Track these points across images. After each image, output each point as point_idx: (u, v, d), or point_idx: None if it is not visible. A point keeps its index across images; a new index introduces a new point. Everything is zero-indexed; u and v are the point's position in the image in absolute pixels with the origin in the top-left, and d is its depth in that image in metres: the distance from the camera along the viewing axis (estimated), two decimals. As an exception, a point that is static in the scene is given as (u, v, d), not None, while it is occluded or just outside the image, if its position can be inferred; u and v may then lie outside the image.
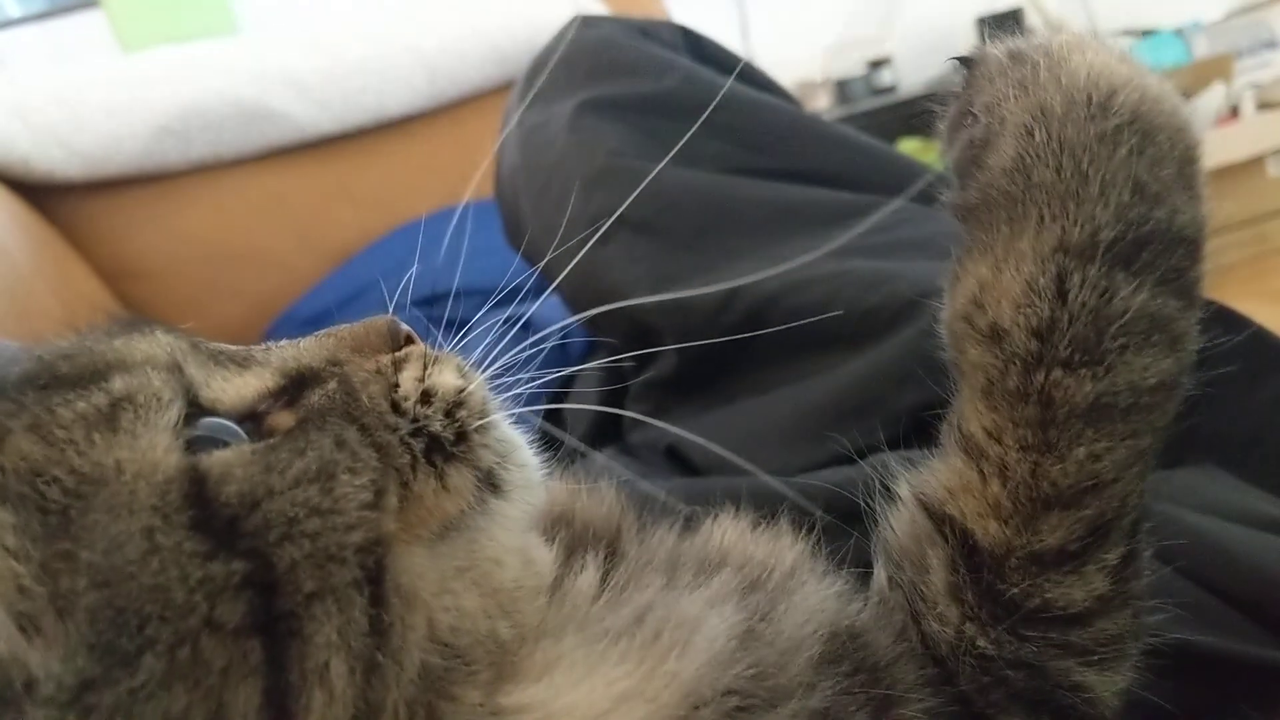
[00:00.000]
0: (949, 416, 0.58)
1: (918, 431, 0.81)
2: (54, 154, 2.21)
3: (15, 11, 4.74)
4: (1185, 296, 0.50)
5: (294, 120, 2.45)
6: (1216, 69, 4.07)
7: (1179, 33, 4.51)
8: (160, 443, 0.45)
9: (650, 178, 0.96)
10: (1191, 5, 4.81)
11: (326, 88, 2.48)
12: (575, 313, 1.12)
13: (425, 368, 0.56)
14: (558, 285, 1.09)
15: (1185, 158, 0.50)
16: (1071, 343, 0.49)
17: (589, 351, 1.47)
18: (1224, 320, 0.77)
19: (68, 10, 4.72)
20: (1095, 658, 0.53)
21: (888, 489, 0.62)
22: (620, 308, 0.80)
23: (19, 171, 2.18)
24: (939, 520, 0.56)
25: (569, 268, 0.80)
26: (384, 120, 2.55)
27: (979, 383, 0.53)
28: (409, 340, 0.58)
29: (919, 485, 0.59)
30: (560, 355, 1.37)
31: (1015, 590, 0.52)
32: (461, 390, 0.55)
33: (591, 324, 1.12)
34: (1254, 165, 3.56)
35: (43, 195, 2.22)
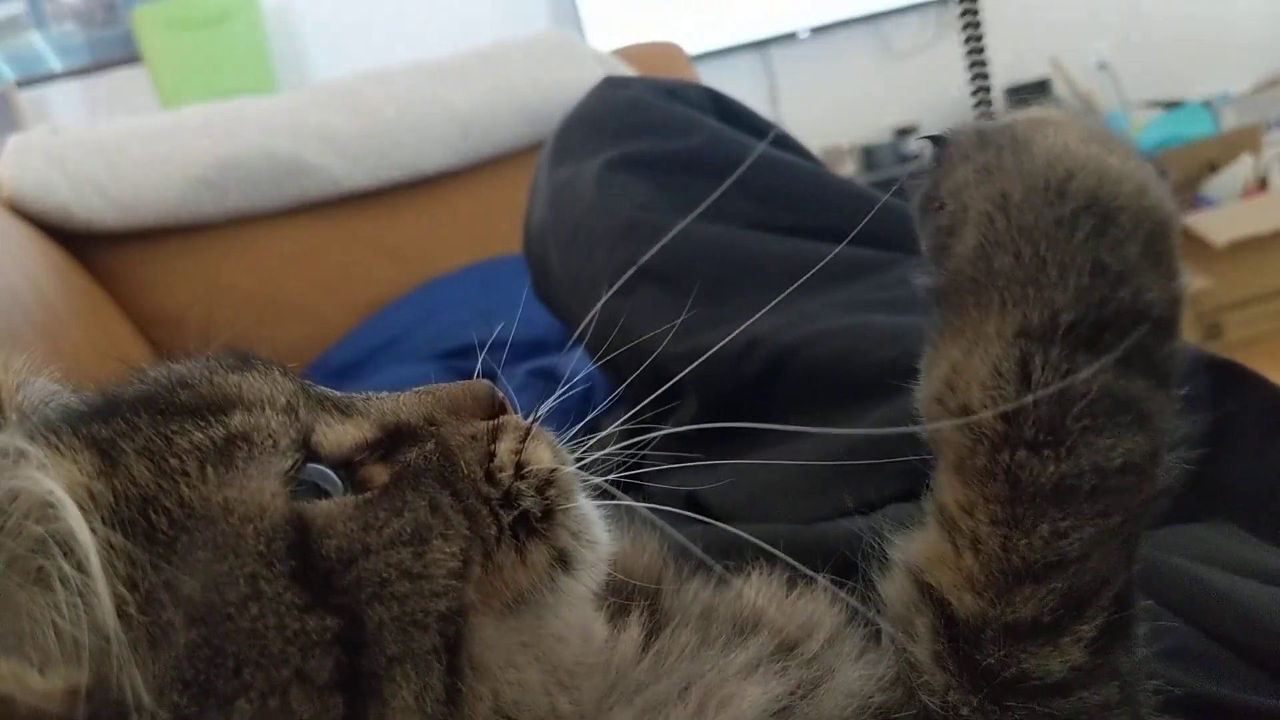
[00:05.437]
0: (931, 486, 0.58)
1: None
2: (93, 203, 2.26)
3: (58, 66, 4.86)
4: (1154, 375, 0.49)
5: (329, 175, 2.49)
6: (1245, 141, 4.09)
7: (1207, 104, 4.54)
8: (269, 487, 0.46)
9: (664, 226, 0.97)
10: (1220, 77, 4.85)
11: (362, 144, 2.52)
12: (599, 364, 1.14)
13: (522, 440, 0.56)
14: (583, 337, 1.11)
15: (1153, 235, 0.49)
16: (1036, 424, 0.49)
17: (611, 405, 1.48)
18: (1238, 381, 0.78)
19: (110, 66, 4.84)
20: None
21: (884, 552, 0.62)
22: (640, 355, 0.81)
23: (58, 219, 2.23)
24: (922, 589, 0.57)
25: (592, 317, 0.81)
26: (417, 177, 2.59)
27: (951, 459, 0.53)
28: (502, 409, 0.58)
29: (906, 552, 0.59)
30: (584, 405, 1.40)
31: (991, 660, 0.52)
32: (554, 469, 0.56)
33: (614, 374, 1.13)
34: (1283, 237, 3.55)
35: (80, 243, 2.27)
